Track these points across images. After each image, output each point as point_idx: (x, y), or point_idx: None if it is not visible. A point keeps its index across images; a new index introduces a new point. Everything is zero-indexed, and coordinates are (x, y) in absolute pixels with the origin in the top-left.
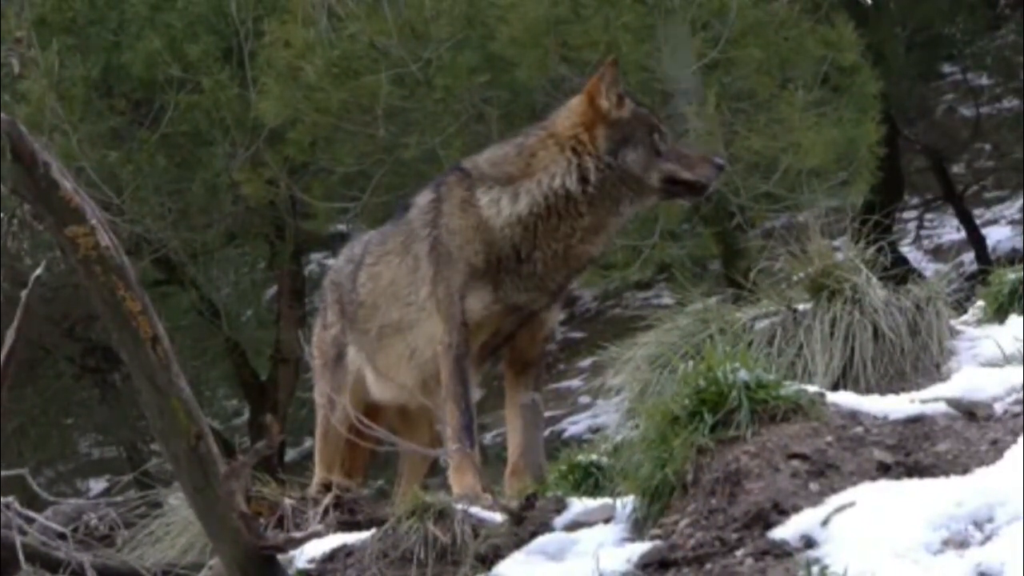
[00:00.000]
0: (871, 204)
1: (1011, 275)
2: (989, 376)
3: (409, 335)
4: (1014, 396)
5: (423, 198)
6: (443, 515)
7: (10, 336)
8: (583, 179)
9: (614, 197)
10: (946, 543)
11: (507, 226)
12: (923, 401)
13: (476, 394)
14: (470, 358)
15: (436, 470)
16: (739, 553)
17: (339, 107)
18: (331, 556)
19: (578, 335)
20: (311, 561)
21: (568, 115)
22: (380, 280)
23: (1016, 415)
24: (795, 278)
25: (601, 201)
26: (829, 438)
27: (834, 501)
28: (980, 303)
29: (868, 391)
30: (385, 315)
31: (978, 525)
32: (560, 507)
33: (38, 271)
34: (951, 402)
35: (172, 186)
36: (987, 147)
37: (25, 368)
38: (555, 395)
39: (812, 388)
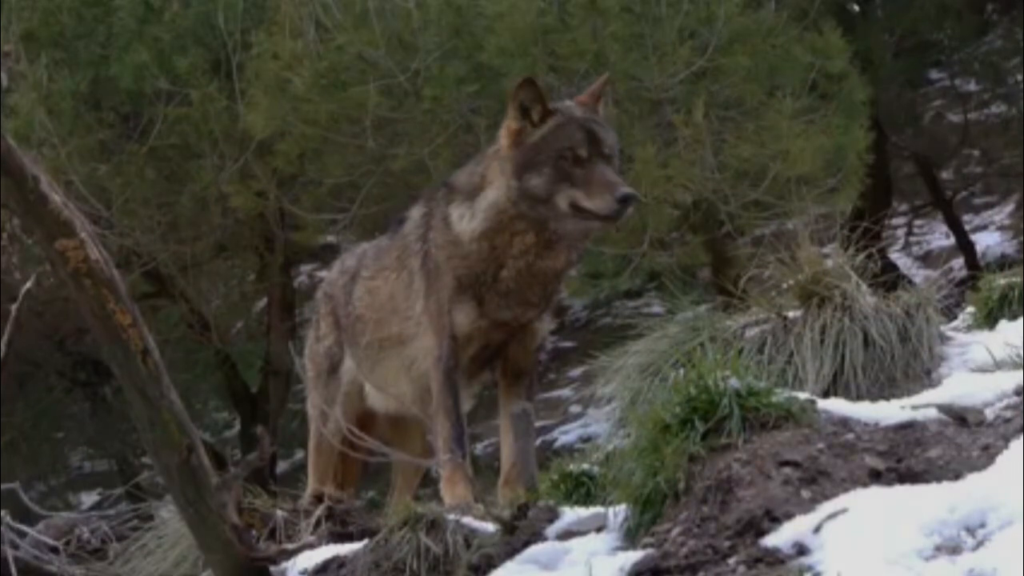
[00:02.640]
0: (860, 211)
1: (1001, 280)
2: (980, 382)
3: (408, 348)
4: (1005, 401)
5: (416, 212)
6: (435, 525)
7: (1, 350)
8: (509, 197)
9: (539, 218)
10: (938, 549)
11: (472, 241)
12: (914, 407)
13: (466, 405)
14: (460, 370)
15: (428, 481)
16: (732, 561)
17: (327, 119)
18: (323, 567)
19: (568, 344)
20: (303, 572)
21: (503, 132)
22: (378, 294)
23: (1007, 420)
24: (785, 285)
25: (533, 220)
26: (820, 445)
27: (826, 508)
28: (970, 309)
29: (859, 398)
30: (384, 328)
31: (970, 531)
32: (552, 516)
33: (28, 285)
34: (942, 408)
35: (161, 199)
36: (975, 153)
37: (15, 382)
38: (546, 405)
39: (803, 395)
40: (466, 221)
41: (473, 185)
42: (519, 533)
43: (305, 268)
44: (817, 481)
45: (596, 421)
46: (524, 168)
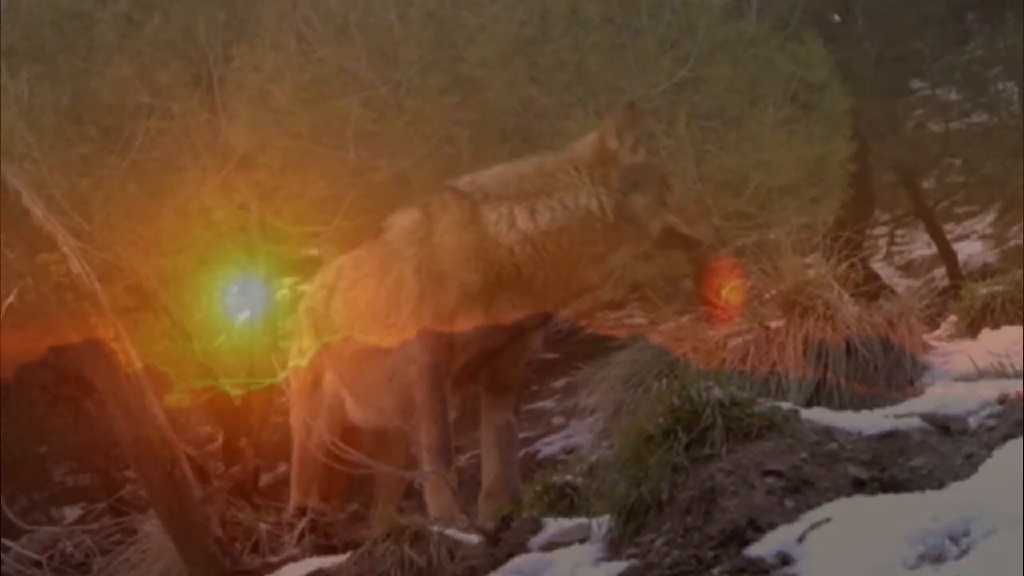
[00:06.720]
0: (842, 221)
1: (983, 290)
2: (963, 390)
3: (389, 358)
4: (988, 410)
5: (406, 218)
6: (419, 537)
7: None
8: (600, 207)
9: (618, 235)
10: (922, 558)
11: (517, 243)
12: (897, 416)
13: (450, 415)
14: (449, 378)
15: (411, 493)
16: (715, 571)
17: (309, 131)
18: None
19: (551, 356)
20: None
21: (589, 147)
22: (357, 304)
23: (990, 429)
24: (767, 295)
25: (608, 233)
26: (804, 454)
27: (810, 517)
28: (952, 318)
29: (842, 407)
30: (364, 338)
31: (954, 539)
32: (536, 528)
33: (10, 299)
34: (925, 417)
35: (143, 212)
36: (957, 162)
37: None
38: (529, 416)
39: (786, 405)
40: (523, 220)
41: (527, 190)
42: (502, 545)
43: (287, 281)
44: (800, 491)
45: (579, 432)
46: (632, 187)
